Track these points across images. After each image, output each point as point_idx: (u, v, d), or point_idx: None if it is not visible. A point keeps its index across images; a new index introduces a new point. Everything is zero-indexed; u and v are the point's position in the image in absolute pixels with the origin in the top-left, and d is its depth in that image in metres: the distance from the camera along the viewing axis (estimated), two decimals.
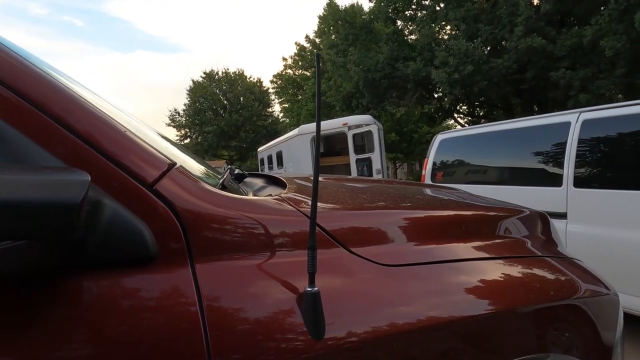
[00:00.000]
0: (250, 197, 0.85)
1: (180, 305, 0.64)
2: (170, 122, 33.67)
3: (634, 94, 10.75)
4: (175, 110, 34.02)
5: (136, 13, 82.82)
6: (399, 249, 0.88)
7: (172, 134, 33.18)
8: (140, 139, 0.73)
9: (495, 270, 0.95)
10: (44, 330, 0.57)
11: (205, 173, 1.00)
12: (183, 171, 0.76)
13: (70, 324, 0.59)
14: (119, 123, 0.73)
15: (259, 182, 1.46)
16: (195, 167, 0.96)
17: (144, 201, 0.67)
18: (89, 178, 0.54)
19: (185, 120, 33.71)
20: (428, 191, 1.56)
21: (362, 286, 0.78)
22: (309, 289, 0.68)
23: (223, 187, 0.87)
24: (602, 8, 10.54)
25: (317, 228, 0.78)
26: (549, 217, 1.36)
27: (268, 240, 0.75)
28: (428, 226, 0.99)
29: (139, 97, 79.85)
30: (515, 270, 0.99)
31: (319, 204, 0.84)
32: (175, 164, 0.75)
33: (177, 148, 1.10)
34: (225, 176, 1.07)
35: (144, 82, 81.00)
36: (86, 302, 0.61)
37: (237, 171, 1.46)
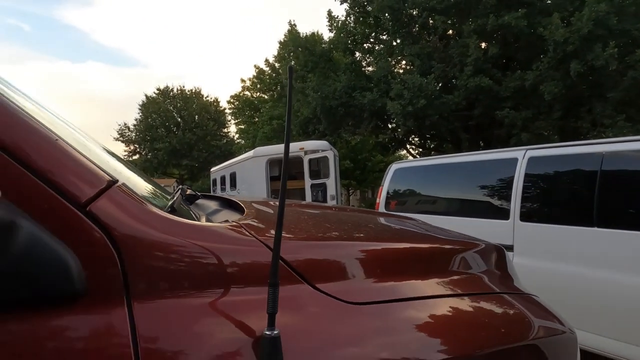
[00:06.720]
0: (203, 222, 0.76)
1: (112, 354, 0.53)
2: (119, 136, 32.13)
3: (566, 136, 11.66)
4: (125, 124, 32.54)
5: (92, 23, 79.91)
6: (364, 285, 0.81)
7: (120, 149, 31.69)
8: (75, 149, 0.62)
9: (453, 309, 0.91)
10: None
11: (152, 193, 0.89)
12: (126, 190, 0.65)
13: None
14: (48, 130, 0.61)
15: (212, 204, 1.34)
16: (141, 185, 0.85)
17: (74, 224, 0.55)
18: None
19: (135, 136, 32.29)
20: (390, 222, 1.51)
21: (329, 327, 0.70)
22: (267, 333, 0.59)
23: (172, 209, 0.77)
24: (542, 56, 11.44)
25: (280, 261, 0.70)
26: (504, 250, 1.36)
27: (222, 274, 0.66)
28: (392, 260, 0.94)
29: (87, 108, 75.96)
30: (474, 309, 0.95)
31: None
32: (117, 181, 0.64)
33: (123, 164, 0.98)
34: (175, 197, 0.96)
35: (92, 94, 77.34)
36: None
37: (189, 192, 1.33)
